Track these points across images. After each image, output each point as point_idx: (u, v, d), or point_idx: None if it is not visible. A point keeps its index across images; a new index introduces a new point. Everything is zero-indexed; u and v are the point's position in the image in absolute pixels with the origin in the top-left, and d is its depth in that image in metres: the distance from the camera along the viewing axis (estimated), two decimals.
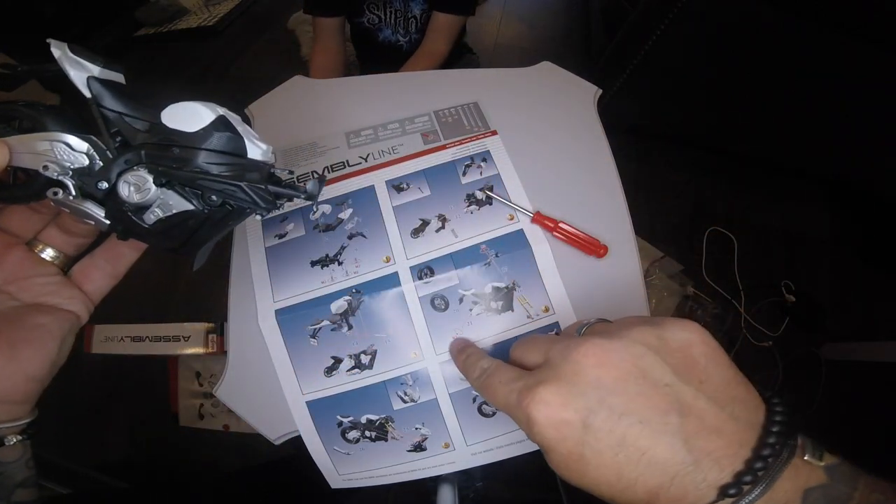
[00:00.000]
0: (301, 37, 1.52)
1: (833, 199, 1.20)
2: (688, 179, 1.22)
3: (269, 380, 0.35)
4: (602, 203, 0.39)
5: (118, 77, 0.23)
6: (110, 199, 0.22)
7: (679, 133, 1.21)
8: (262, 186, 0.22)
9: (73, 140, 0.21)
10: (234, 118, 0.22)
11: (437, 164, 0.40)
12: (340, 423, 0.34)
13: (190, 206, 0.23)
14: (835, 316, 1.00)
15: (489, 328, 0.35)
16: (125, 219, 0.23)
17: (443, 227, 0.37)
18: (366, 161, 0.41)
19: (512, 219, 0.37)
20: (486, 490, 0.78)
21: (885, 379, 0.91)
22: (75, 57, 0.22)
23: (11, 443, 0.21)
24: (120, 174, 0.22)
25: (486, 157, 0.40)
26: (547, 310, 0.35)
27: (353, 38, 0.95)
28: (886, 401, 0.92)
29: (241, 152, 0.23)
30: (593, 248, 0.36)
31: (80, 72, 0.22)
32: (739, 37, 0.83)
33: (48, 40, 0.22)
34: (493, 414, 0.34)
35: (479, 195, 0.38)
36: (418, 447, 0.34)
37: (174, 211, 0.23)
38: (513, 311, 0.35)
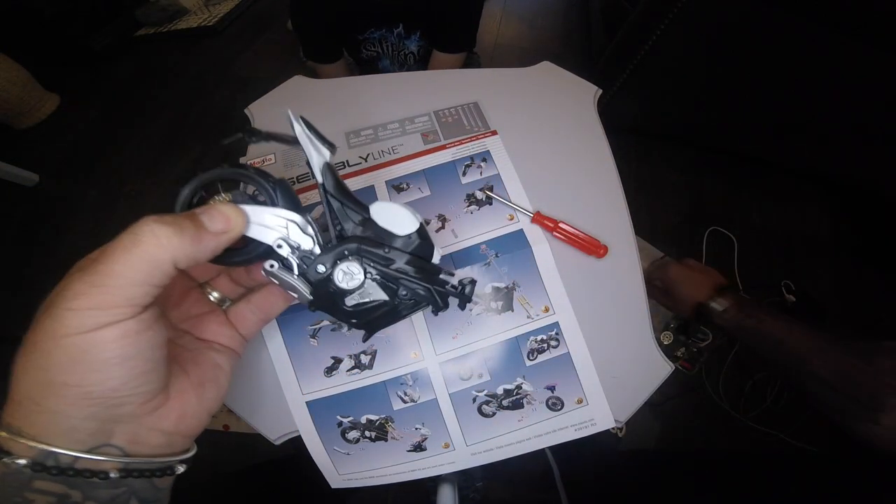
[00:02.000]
0: None
1: (833, 199, 1.20)
2: (688, 179, 1.22)
3: (269, 380, 0.35)
4: (602, 203, 0.39)
5: (331, 159, 0.24)
6: (321, 281, 0.24)
7: (679, 133, 1.21)
8: (444, 290, 0.25)
9: (301, 220, 0.23)
10: (423, 222, 0.25)
11: (437, 164, 0.40)
12: (340, 423, 0.34)
13: (385, 297, 0.25)
14: (835, 316, 1.00)
15: (489, 328, 0.35)
16: (327, 298, 0.25)
17: (443, 227, 0.37)
18: (366, 161, 0.41)
19: (512, 219, 0.37)
20: (486, 490, 0.78)
21: None
22: (312, 137, 0.23)
23: (179, 472, 0.22)
24: (336, 261, 0.24)
25: (486, 157, 0.40)
26: (547, 310, 0.35)
27: (355, 62, 0.95)
28: None
29: (429, 256, 0.25)
30: (593, 248, 0.36)
31: (318, 156, 0.23)
32: (739, 37, 0.83)
33: (288, 111, 0.23)
34: (493, 414, 0.34)
35: (479, 195, 0.38)
36: (418, 447, 0.34)
37: (370, 298, 0.25)
38: (513, 311, 0.35)
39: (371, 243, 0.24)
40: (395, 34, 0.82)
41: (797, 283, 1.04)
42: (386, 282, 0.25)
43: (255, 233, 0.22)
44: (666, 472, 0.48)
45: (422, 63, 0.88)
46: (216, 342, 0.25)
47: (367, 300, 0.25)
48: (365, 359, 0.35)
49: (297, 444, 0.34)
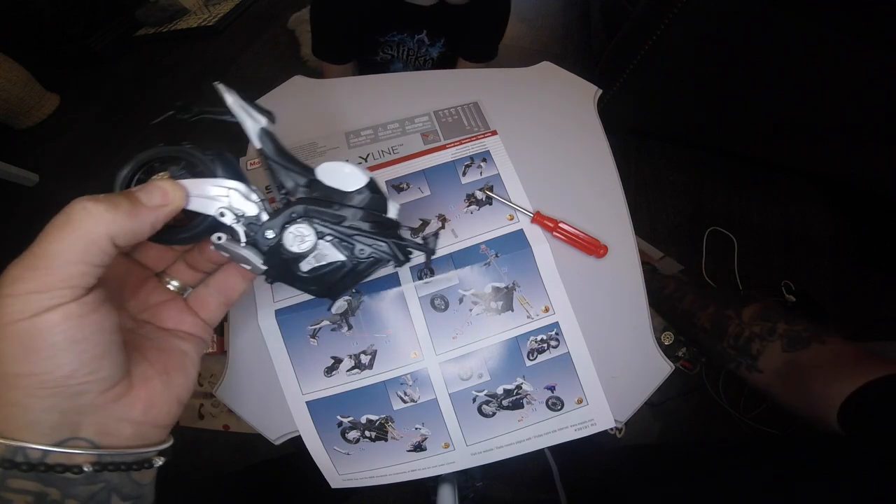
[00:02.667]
0: (301, 37, 1.52)
1: (833, 199, 1.20)
2: (688, 179, 1.22)
3: (269, 380, 0.35)
4: (602, 203, 0.39)
5: (273, 127, 0.24)
6: (272, 248, 0.23)
7: (679, 133, 1.21)
8: (403, 243, 0.25)
9: (244, 188, 0.22)
10: (376, 178, 0.25)
11: (437, 164, 0.40)
12: (340, 423, 0.34)
13: (342, 258, 0.25)
14: (835, 316, 1.00)
15: (489, 328, 0.35)
16: (281, 266, 0.24)
17: (443, 227, 0.37)
18: (366, 161, 0.41)
19: (512, 219, 0.37)
20: (486, 490, 0.78)
21: None
22: (246, 105, 0.23)
23: (158, 464, 0.22)
24: (284, 226, 0.23)
25: (486, 157, 0.40)
26: (547, 310, 0.35)
27: (361, 64, 0.94)
28: None
29: (383, 210, 0.25)
30: (593, 248, 0.36)
31: (253, 123, 0.23)
32: (739, 37, 0.83)
33: (216, 84, 0.23)
34: (493, 414, 0.34)
35: (479, 195, 0.38)
36: (418, 447, 0.34)
37: (327, 261, 0.25)
38: (513, 311, 0.35)
39: (319, 203, 0.24)
40: (416, 40, 0.81)
41: (797, 283, 1.04)
42: (340, 241, 0.24)
43: (196, 206, 0.22)
44: (666, 470, 0.48)
45: (438, 69, 0.88)
46: (179, 330, 0.25)
47: (323, 263, 0.24)
48: (365, 359, 0.35)
49: (296, 443, 0.34)
